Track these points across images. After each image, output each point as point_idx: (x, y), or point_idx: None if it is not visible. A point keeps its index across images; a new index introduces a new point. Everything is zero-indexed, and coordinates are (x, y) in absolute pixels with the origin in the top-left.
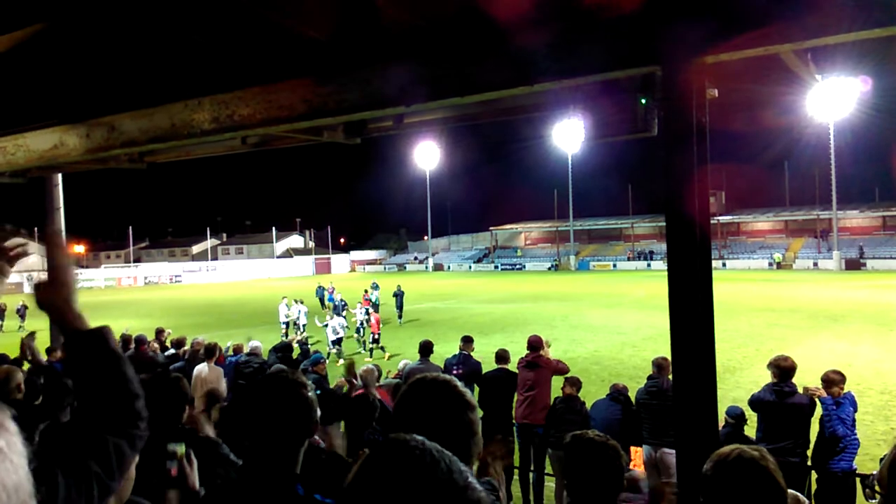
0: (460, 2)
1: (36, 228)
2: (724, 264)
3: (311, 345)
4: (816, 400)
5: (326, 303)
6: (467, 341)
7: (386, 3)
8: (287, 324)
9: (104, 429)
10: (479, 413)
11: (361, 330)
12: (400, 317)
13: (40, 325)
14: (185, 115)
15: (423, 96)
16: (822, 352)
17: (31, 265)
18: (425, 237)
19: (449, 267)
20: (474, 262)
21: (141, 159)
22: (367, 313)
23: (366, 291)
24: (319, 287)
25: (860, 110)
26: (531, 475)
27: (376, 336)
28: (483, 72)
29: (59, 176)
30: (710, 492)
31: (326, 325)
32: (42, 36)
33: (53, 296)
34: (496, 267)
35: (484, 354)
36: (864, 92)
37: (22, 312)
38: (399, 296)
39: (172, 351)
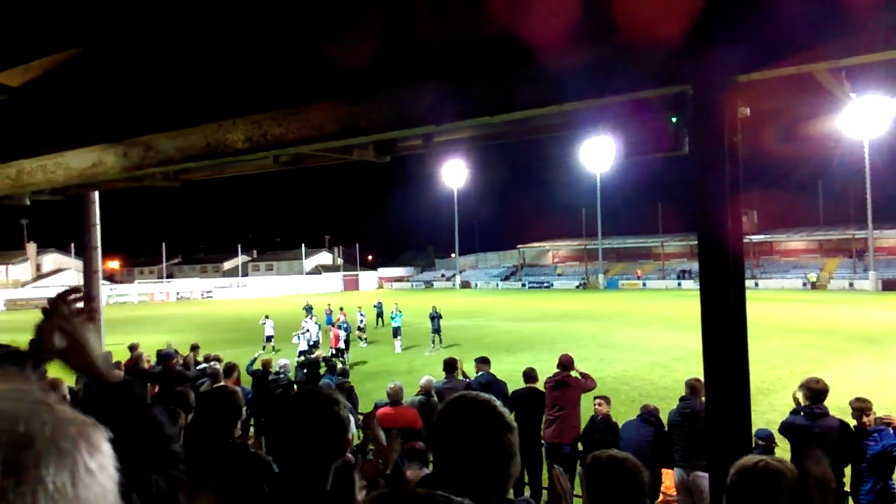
0: (495, 22)
1: (73, 244)
2: (756, 284)
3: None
4: (852, 425)
5: (324, 325)
6: (483, 361)
7: (424, 25)
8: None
9: (145, 464)
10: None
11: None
12: (438, 342)
13: (140, 338)
14: (220, 135)
15: (454, 115)
16: (859, 375)
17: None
18: (452, 255)
19: (476, 284)
20: (501, 280)
21: (176, 177)
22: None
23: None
24: (378, 303)
25: None
26: None
27: (334, 349)
28: (514, 91)
29: (96, 193)
30: (733, 500)
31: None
32: (81, 59)
33: (77, 360)
34: (523, 285)
35: (511, 373)
36: None
37: None
38: (436, 318)
39: (204, 366)
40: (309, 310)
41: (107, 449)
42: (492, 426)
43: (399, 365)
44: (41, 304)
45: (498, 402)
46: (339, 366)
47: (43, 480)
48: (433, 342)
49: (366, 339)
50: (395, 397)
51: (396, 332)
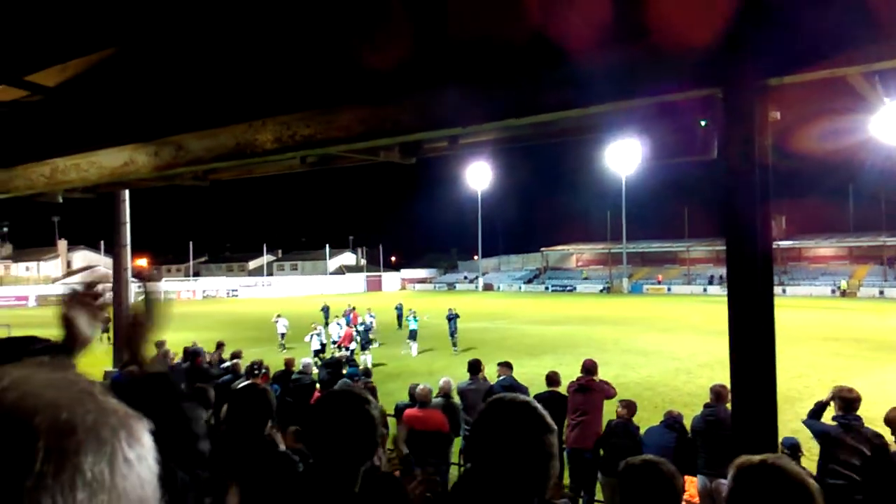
0: (524, 26)
1: (102, 241)
2: (784, 291)
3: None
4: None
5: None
6: (505, 366)
7: (453, 28)
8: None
9: (172, 460)
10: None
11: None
12: (454, 344)
13: (166, 335)
14: (249, 135)
15: (480, 118)
16: (889, 384)
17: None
18: (475, 257)
19: (499, 287)
20: (524, 283)
21: (205, 177)
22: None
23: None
24: (399, 305)
25: None
26: (580, 501)
27: (345, 347)
28: (541, 93)
29: (127, 192)
30: (734, 498)
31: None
32: (114, 60)
33: (140, 333)
34: (546, 288)
35: (533, 376)
36: None
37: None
38: (452, 319)
39: (228, 364)
40: (326, 311)
41: (147, 441)
42: (533, 427)
43: (419, 366)
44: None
45: (538, 404)
46: (363, 366)
47: (81, 468)
48: (454, 344)
49: (375, 340)
50: (423, 399)
51: (413, 335)
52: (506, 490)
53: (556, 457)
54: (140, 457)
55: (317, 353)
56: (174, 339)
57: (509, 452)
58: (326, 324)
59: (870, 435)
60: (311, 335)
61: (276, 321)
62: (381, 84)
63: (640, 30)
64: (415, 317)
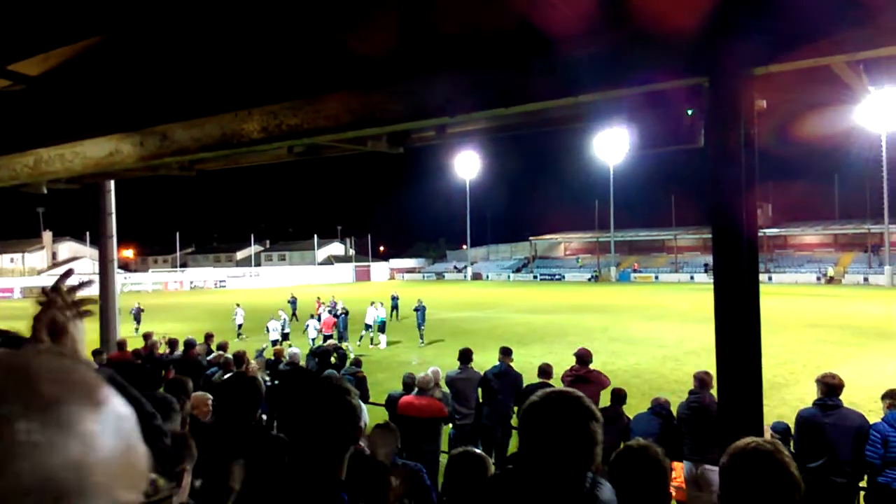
0: (512, 15)
1: (88, 232)
2: (770, 278)
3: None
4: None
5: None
6: (506, 353)
7: (440, 16)
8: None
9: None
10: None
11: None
12: (421, 337)
13: (153, 326)
14: (236, 125)
15: (468, 107)
16: (873, 370)
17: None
18: (464, 246)
19: (487, 276)
20: (513, 272)
21: (191, 167)
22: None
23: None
24: (394, 295)
25: None
26: None
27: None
28: (529, 83)
29: (112, 182)
30: (726, 484)
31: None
32: (98, 49)
33: (46, 313)
34: (535, 277)
35: (522, 365)
36: None
37: (137, 315)
38: (420, 310)
39: (214, 355)
40: (294, 302)
41: (114, 406)
42: (581, 415)
43: (408, 355)
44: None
45: (586, 398)
46: (352, 356)
47: (68, 425)
48: (420, 336)
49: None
50: (425, 386)
51: (381, 327)
52: (552, 471)
53: (600, 444)
54: (104, 423)
55: (274, 342)
56: (162, 330)
57: (559, 439)
58: (294, 316)
59: (849, 415)
60: (307, 324)
61: (236, 311)
62: (369, 72)
63: (626, 16)
64: (382, 308)
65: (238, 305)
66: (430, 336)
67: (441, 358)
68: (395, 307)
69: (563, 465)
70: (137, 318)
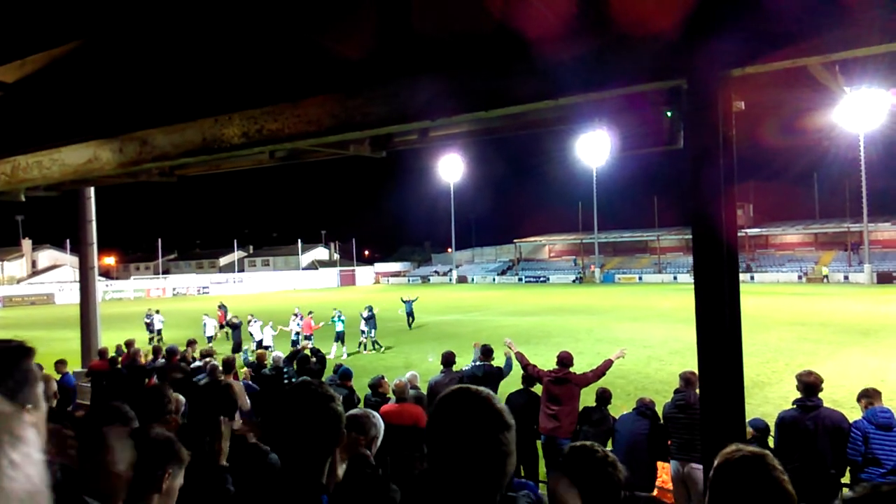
0: (491, 17)
1: (68, 240)
2: (752, 277)
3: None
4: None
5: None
6: (486, 353)
7: (420, 20)
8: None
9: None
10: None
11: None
12: (371, 345)
13: (133, 334)
14: (216, 130)
15: (449, 110)
16: (854, 367)
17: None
18: (449, 249)
19: (473, 279)
20: (498, 275)
21: (171, 173)
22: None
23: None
24: (402, 299)
25: (891, 122)
26: None
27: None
28: (509, 86)
29: (92, 189)
30: (714, 490)
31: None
32: (76, 54)
33: None
34: (520, 279)
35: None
36: (894, 104)
37: (150, 325)
38: (370, 319)
39: (199, 363)
40: (222, 307)
41: (31, 436)
42: (489, 424)
43: (396, 360)
44: (37, 300)
45: (496, 399)
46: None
47: None
48: (367, 345)
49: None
50: (400, 394)
51: (339, 336)
52: (460, 487)
53: (513, 455)
54: (25, 455)
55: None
56: (144, 337)
57: (464, 449)
58: (223, 325)
59: (829, 414)
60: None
61: (152, 316)
62: (350, 75)
63: (605, 19)
64: (340, 317)
65: (157, 311)
66: (414, 338)
67: (422, 363)
68: (409, 312)
69: (470, 482)
70: (150, 328)
